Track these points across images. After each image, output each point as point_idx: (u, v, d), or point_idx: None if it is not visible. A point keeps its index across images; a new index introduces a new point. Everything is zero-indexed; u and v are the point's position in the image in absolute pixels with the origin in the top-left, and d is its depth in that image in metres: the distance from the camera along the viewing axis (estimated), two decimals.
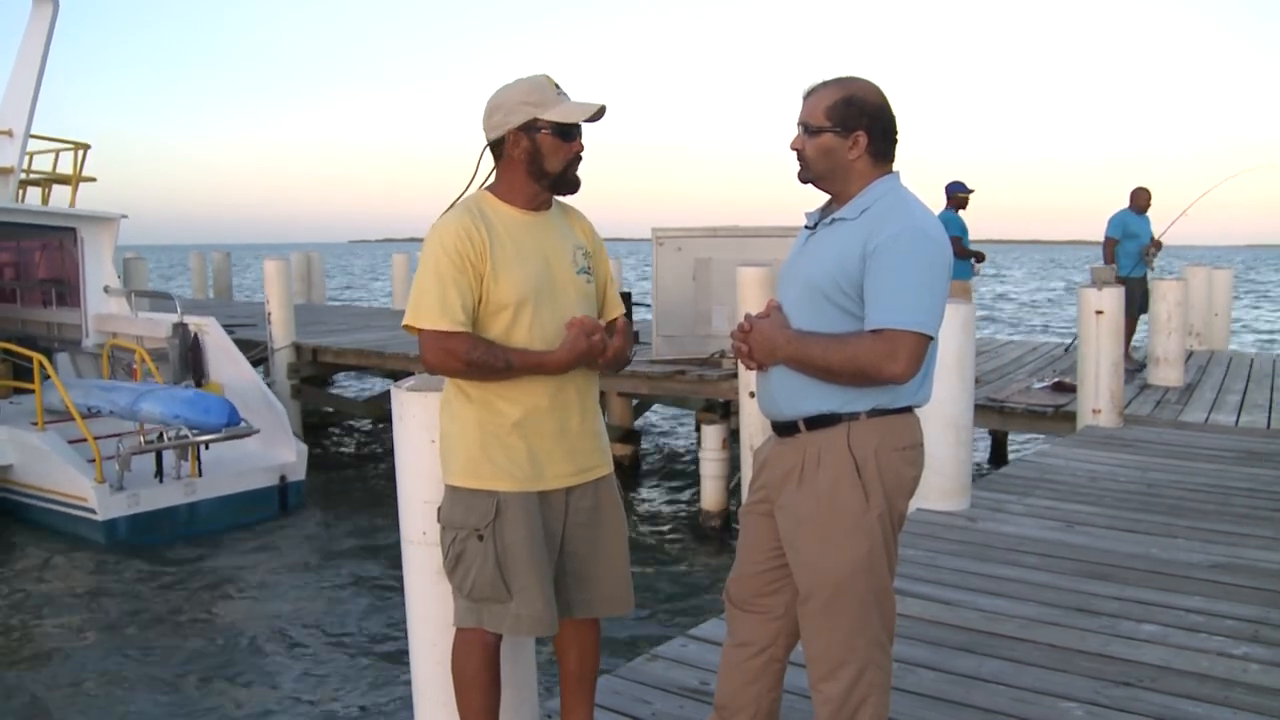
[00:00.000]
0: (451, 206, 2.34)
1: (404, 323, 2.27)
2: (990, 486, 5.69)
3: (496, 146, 2.32)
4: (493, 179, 2.38)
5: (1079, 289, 7.46)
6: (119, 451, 8.25)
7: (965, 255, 9.31)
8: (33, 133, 10.91)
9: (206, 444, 8.40)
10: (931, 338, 2.10)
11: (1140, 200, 9.35)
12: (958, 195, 9.35)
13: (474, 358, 2.21)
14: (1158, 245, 9.29)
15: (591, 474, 2.43)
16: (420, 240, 2.35)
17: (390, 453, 3.78)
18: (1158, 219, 9.44)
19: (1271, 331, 26.76)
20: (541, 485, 2.34)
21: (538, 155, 2.28)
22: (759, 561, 2.35)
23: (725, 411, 9.01)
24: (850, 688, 2.20)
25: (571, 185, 2.37)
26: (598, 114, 2.30)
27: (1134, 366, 9.31)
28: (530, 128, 2.27)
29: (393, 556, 7.30)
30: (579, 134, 2.31)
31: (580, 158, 2.33)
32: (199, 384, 9.48)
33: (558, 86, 2.29)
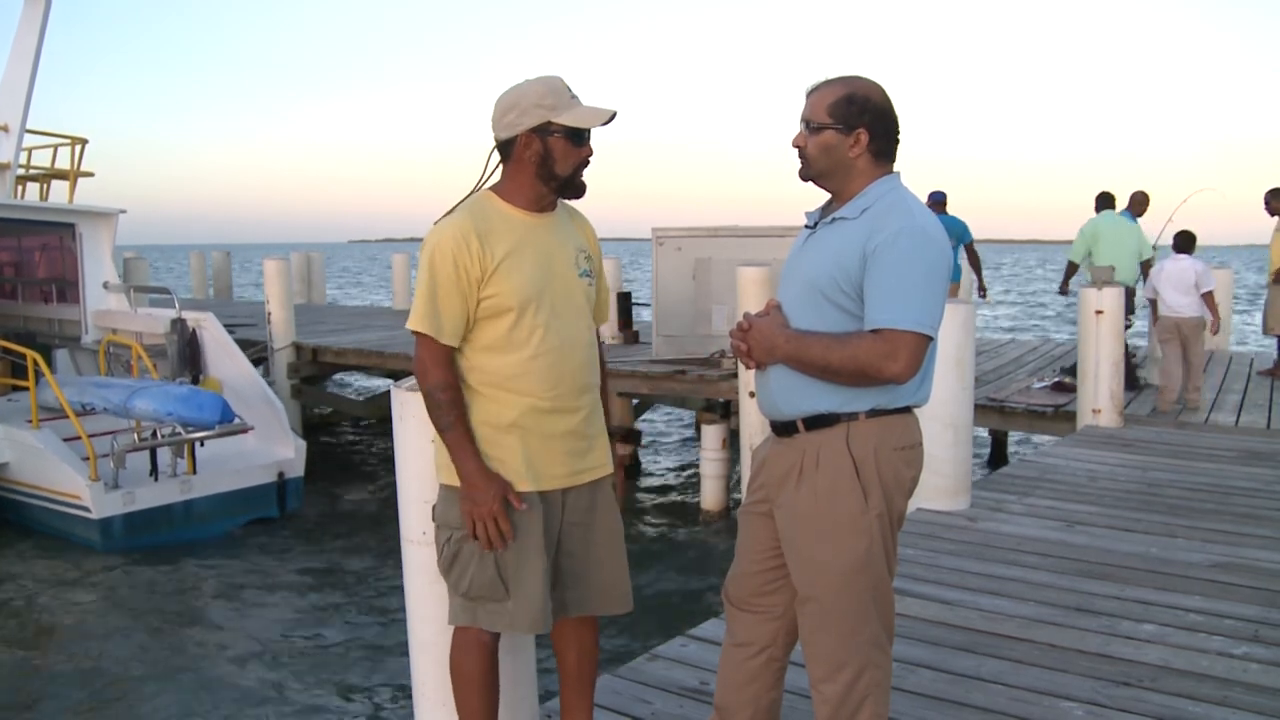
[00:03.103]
0: (455, 208, 2.33)
1: (407, 324, 2.32)
2: (990, 486, 5.69)
3: (505, 146, 2.30)
4: (498, 178, 2.36)
5: (1079, 289, 7.47)
6: (113, 449, 8.22)
7: (979, 262, 9.39)
8: (30, 128, 10.91)
9: (201, 441, 8.37)
10: (931, 338, 2.09)
11: (1140, 204, 9.51)
12: (941, 203, 9.52)
13: (438, 396, 2.24)
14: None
15: (589, 475, 2.42)
16: (420, 239, 2.35)
17: (390, 453, 3.78)
18: (1148, 222, 9.57)
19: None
20: (539, 486, 2.33)
21: (548, 158, 2.27)
22: (758, 561, 2.34)
23: (725, 411, 9.01)
24: (850, 688, 2.19)
25: (578, 190, 2.36)
26: (609, 120, 2.29)
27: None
28: (543, 130, 2.25)
29: (392, 556, 7.30)
30: (589, 139, 2.30)
31: (589, 162, 2.32)
32: (197, 380, 9.46)
33: (570, 89, 2.27)
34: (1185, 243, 7.84)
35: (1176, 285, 7.60)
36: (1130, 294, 8.48)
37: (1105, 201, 8.95)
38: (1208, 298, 7.65)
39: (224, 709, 5.47)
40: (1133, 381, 8.46)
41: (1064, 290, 9.28)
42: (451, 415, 2.24)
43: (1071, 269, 8.90)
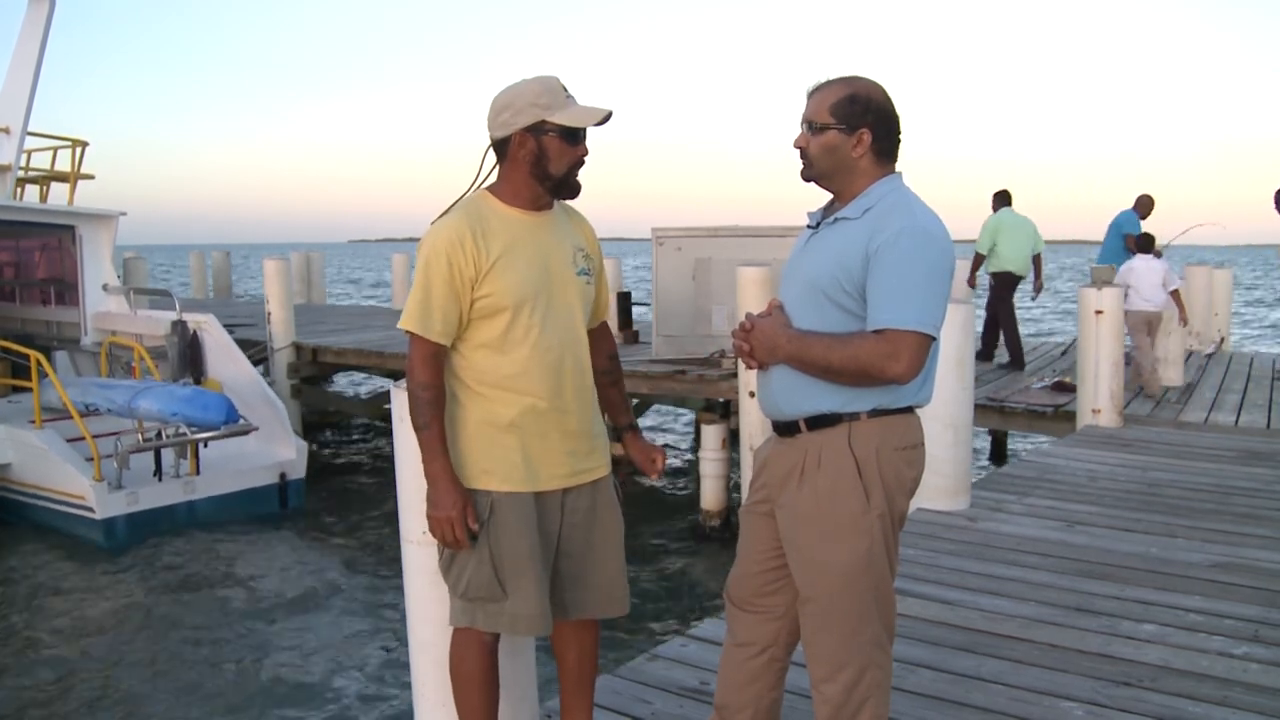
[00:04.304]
0: (452, 207, 2.33)
1: (399, 323, 2.33)
2: (990, 486, 5.69)
3: (501, 146, 2.31)
4: (494, 178, 2.37)
5: (1079, 289, 7.49)
6: (117, 450, 8.22)
7: None
8: (30, 130, 10.90)
9: (205, 441, 8.38)
10: (934, 338, 2.09)
11: (1145, 206, 9.82)
12: None
13: (419, 395, 2.25)
14: (1157, 255, 9.59)
15: (588, 475, 2.42)
16: (419, 239, 2.36)
17: (390, 453, 3.78)
18: (1150, 225, 9.82)
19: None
20: (537, 486, 2.33)
21: (542, 157, 2.27)
22: (759, 561, 2.34)
23: (725, 411, 9.00)
24: (850, 688, 2.19)
25: (573, 190, 2.36)
26: (604, 120, 2.29)
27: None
28: (537, 129, 2.25)
29: (392, 556, 7.31)
30: (584, 138, 2.31)
31: (584, 162, 2.33)
32: (198, 381, 9.45)
33: (565, 89, 2.28)
34: (1148, 243, 8.81)
35: (1149, 282, 8.44)
36: (1018, 281, 9.81)
37: (1003, 199, 9.81)
38: (1175, 295, 8.44)
39: (223, 707, 5.47)
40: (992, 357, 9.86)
41: (972, 282, 9.91)
42: (428, 415, 2.26)
43: (978, 260, 9.76)
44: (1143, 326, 8.44)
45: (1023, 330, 10.22)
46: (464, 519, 2.25)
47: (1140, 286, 8.43)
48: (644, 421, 13.10)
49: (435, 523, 2.27)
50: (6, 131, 10.69)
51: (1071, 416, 7.46)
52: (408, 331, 2.27)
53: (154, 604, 7.09)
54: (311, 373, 12.65)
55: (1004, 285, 9.79)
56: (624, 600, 2.49)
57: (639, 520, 9.11)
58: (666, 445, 12.65)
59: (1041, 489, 5.53)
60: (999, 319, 9.91)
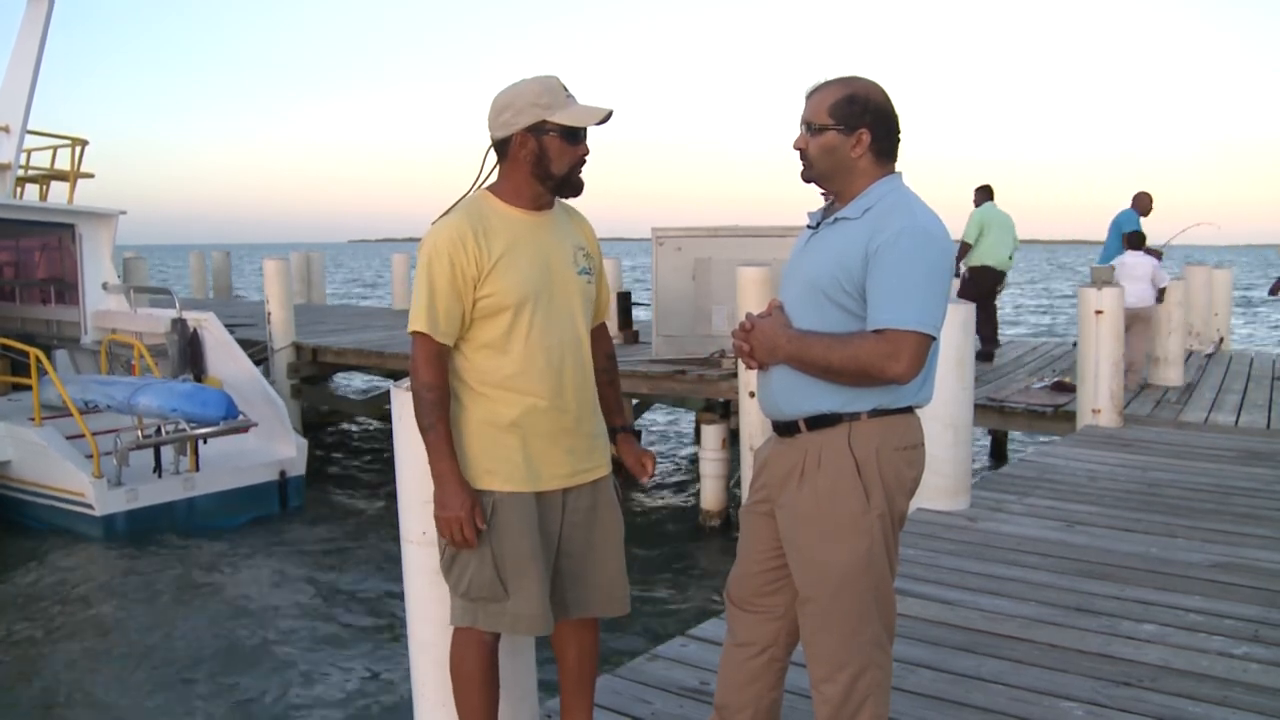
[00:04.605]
0: (453, 207, 2.33)
1: (408, 327, 2.33)
2: (990, 486, 5.69)
3: (501, 146, 2.31)
4: (495, 178, 2.37)
5: (1079, 289, 7.49)
6: (117, 446, 8.23)
7: None
8: (30, 129, 10.90)
9: (204, 437, 8.38)
10: (934, 338, 2.09)
11: (1144, 203, 9.86)
12: None
13: (424, 395, 2.25)
14: (1158, 254, 9.59)
15: (589, 475, 2.42)
16: (419, 239, 2.36)
17: (390, 452, 3.78)
18: (1150, 223, 9.90)
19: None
20: (538, 486, 2.33)
21: (544, 157, 2.28)
22: (759, 561, 2.34)
23: (725, 411, 9.01)
24: (850, 688, 2.19)
25: (575, 188, 2.36)
26: (605, 119, 2.30)
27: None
28: (538, 129, 2.25)
29: (392, 556, 7.31)
30: (585, 137, 2.31)
31: (585, 161, 2.33)
32: (198, 379, 9.47)
33: (566, 89, 2.28)
34: (1139, 240, 9.08)
35: (1138, 277, 8.66)
36: (1001, 276, 10.15)
37: (986, 194, 10.11)
38: (1162, 292, 8.71)
39: (223, 706, 5.47)
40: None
41: (956, 271, 10.12)
42: (433, 416, 2.25)
43: (964, 250, 9.99)
44: (1131, 321, 8.48)
45: (1017, 330, 10.30)
46: (473, 519, 2.25)
47: (1129, 282, 8.50)
48: (644, 421, 13.10)
49: (443, 523, 2.26)
50: (6, 130, 10.69)
51: (1071, 416, 7.46)
52: (413, 333, 2.27)
53: (152, 601, 7.08)
54: (311, 373, 12.65)
55: (986, 280, 9.95)
56: (624, 600, 2.49)
57: (639, 520, 9.11)
58: (664, 448, 12.64)
59: (1041, 489, 5.53)
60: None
